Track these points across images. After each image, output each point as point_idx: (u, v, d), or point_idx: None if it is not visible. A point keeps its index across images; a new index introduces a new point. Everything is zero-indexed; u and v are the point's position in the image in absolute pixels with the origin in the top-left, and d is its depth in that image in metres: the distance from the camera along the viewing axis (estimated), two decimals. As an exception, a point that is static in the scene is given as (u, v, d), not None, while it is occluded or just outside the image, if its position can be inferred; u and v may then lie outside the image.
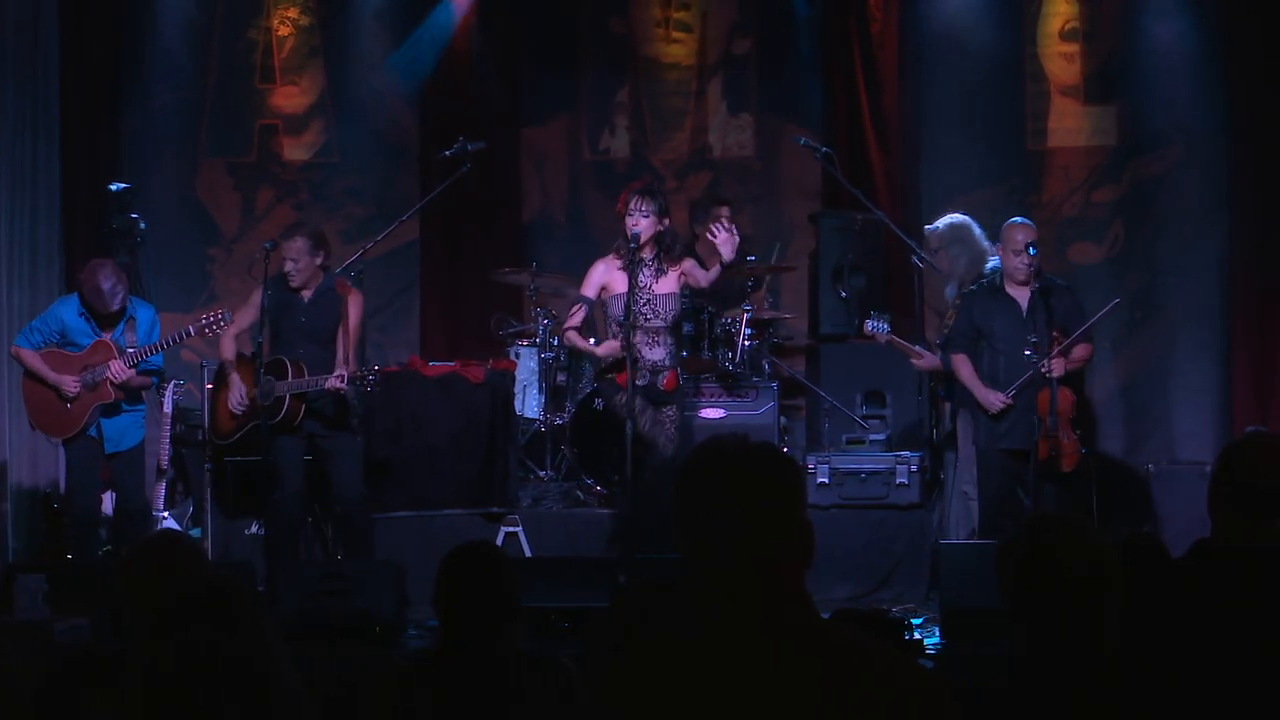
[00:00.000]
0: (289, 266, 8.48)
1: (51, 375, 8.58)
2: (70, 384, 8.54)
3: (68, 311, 8.72)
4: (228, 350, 8.67)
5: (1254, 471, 3.78)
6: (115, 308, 8.60)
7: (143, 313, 8.79)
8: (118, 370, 8.50)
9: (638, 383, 8.07)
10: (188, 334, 8.61)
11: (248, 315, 8.58)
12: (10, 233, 10.07)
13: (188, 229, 11.34)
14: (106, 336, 8.61)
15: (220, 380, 8.84)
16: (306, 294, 8.56)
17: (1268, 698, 3.51)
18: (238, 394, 8.55)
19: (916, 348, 8.98)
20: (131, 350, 8.56)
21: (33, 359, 8.65)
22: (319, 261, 8.57)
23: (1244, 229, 10.51)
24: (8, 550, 9.69)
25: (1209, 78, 10.72)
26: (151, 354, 8.61)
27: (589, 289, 8.42)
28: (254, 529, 9.27)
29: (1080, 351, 8.47)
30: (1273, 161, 10.41)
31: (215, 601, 2.81)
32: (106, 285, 8.55)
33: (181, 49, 11.34)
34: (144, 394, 8.84)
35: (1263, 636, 3.56)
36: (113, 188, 10.18)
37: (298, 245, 8.53)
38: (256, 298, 8.53)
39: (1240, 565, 3.69)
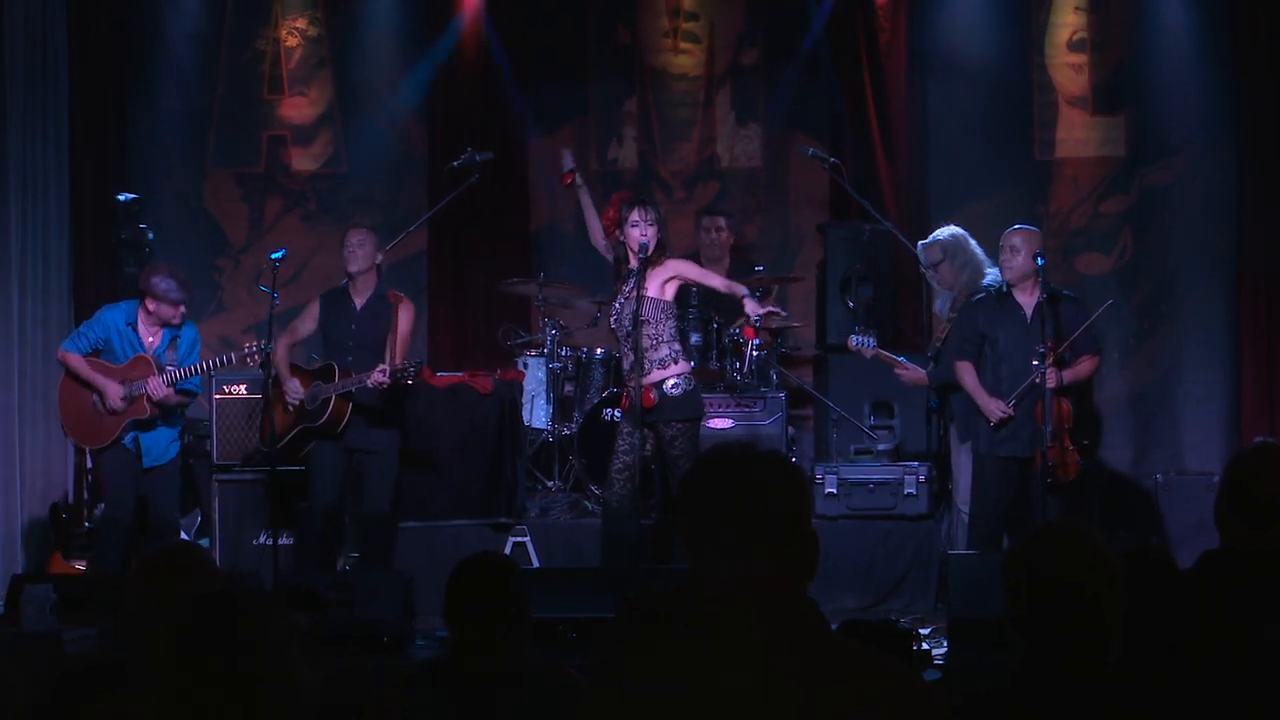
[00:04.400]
0: (349, 250, 8.69)
1: (99, 379, 8.60)
2: (115, 392, 8.54)
3: (115, 318, 8.73)
4: (282, 359, 8.69)
5: (1261, 482, 3.78)
6: (177, 298, 8.62)
7: (186, 331, 8.81)
8: (156, 388, 8.52)
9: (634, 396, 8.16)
10: (228, 361, 8.65)
11: (306, 325, 8.81)
12: (22, 243, 10.09)
13: (196, 239, 11.34)
14: (149, 352, 8.63)
15: (272, 389, 8.81)
16: (359, 301, 8.73)
17: (1275, 708, 3.51)
18: (292, 396, 8.61)
19: (901, 359, 8.97)
20: (171, 369, 8.58)
21: (80, 363, 8.67)
22: (379, 260, 8.81)
23: (1252, 239, 10.50)
24: (16, 561, 9.70)
25: (1217, 88, 10.72)
26: (190, 375, 8.64)
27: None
28: (262, 539, 9.28)
29: (1085, 365, 8.42)
30: (1280, 171, 10.42)
31: (227, 612, 2.81)
32: (164, 280, 8.64)
33: (190, 60, 11.35)
34: (181, 411, 8.86)
35: (1270, 647, 3.56)
36: (121, 198, 10.20)
37: (362, 232, 8.83)
38: (314, 309, 8.76)
39: (1247, 576, 3.68)
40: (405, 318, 8.73)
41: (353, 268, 8.72)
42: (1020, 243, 8.38)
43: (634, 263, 8.20)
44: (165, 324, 8.68)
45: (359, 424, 8.61)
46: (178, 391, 8.64)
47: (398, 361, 8.53)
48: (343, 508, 8.95)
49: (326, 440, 8.65)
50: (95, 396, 8.63)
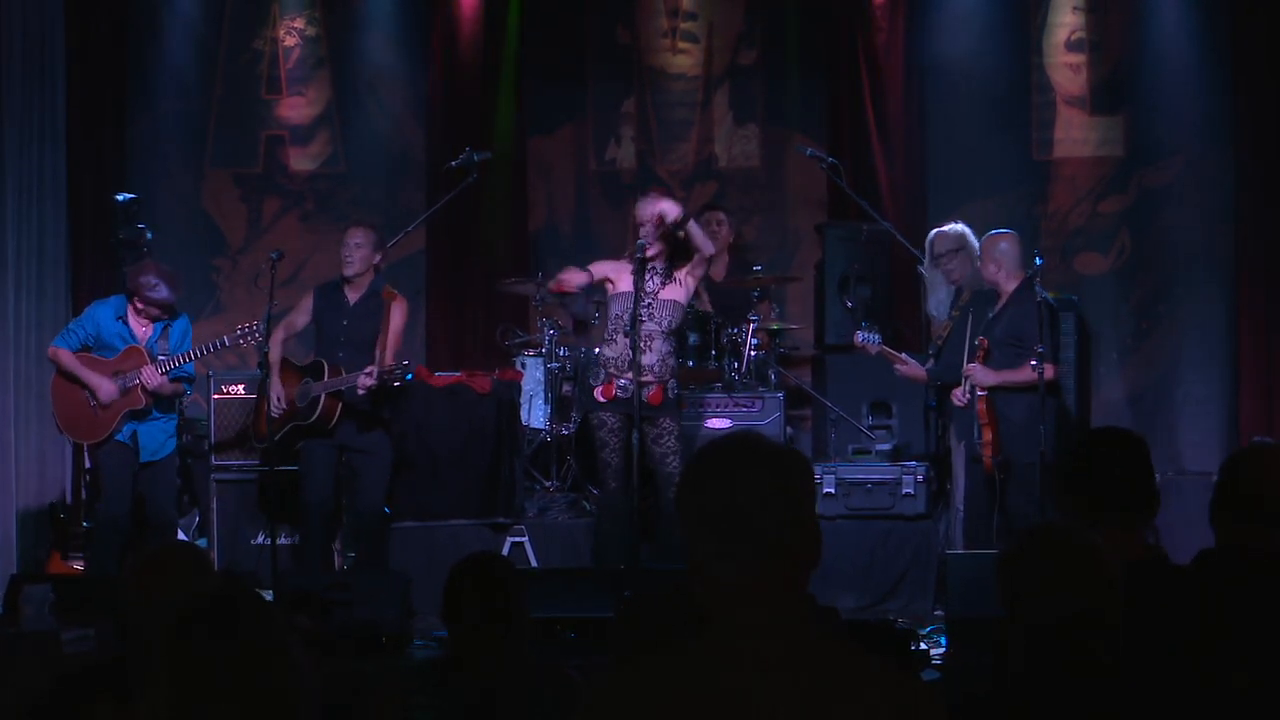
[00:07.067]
0: (347, 253, 8.63)
1: (91, 376, 8.59)
2: (108, 389, 8.53)
3: (105, 314, 8.73)
4: (275, 354, 8.68)
5: (1258, 482, 3.78)
6: (164, 297, 8.58)
7: (177, 321, 8.81)
8: (150, 376, 8.50)
9: (620, 394, 8.17)
10: (222, 344, 8.64)
11: (300, 318, 8.78)
12: (18, 243, 10.08)
13: (194, 240, 11.34)
14: (141, 343, 8.63)
15: (262, 385, 8.85)
16: (353, 297, 8.67)
17: (1270, 708, 3.51)
18: (275, 396, 8.58)
19: (903, 355, 8.97)
20: (163, 357, 8.58)
21: (70, 360, 8.66)
22: (376, 260, 8.72)
23: (1250, 239, 10.50)
24: (14, 560, 9.69)
25: (1215, 88, 10.72)
26: (184, 362, 8.62)
27: (594, 269, 8.55)
28: (260, 539, 9.29)
29: (1022, 371, 8.16)
30: (1279, 171, 10.41)
31: (223, 612, 2.80)
32: (151, 279, 8.58)
33: (188, 60, 11.35)
34: (176, 403, 8.85)
35: (1266, 647, 3.56)
36: (119, 199, 10.17)
37: (361, 233, 8.73)
38: (308, 302, 8.71)
39: (1244, 575, 3.68)
40: (398, 315, 8.68)
41: (348, 272, 8.67)
42: (984, 253, 8.46)
43: (657, 261, 8.38)
44: (155, 319, 8.67)
45: (350, 422, 8.59)
46: (172, 379, 8.63)
47: (388, 360, 8.44)
48: (337, 505, 8.94)
49: (317, 437, 8.62)
50: (88, 392, 8.62)
